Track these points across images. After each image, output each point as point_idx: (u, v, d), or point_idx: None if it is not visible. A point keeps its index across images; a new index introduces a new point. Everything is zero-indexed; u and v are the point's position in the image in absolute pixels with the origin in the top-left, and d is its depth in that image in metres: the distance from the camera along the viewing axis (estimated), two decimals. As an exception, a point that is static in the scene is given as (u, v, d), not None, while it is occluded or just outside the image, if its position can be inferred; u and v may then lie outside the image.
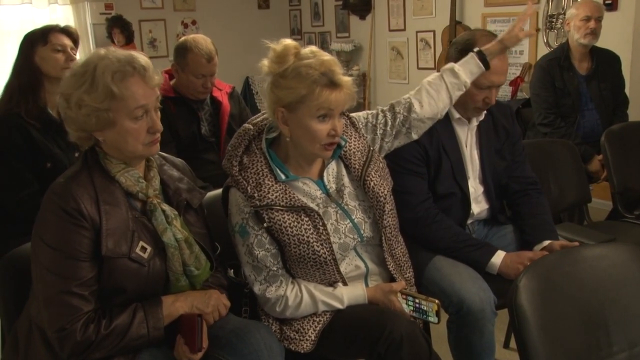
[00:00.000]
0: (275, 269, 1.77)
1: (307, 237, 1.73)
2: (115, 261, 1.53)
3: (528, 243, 2.23)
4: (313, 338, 1.78)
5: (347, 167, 1.87)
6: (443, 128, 2.21)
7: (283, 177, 1.75)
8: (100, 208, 1.52)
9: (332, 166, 1.87)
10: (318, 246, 1.73)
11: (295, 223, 1.72)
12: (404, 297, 1.84)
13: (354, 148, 1.88)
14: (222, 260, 1.89)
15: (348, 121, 1.92)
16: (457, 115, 2.23)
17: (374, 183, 1.84)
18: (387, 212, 1.85)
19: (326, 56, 1.70)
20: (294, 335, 1.79)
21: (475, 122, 2.27)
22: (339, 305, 1.80)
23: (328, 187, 1.84)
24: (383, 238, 1.87)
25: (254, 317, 1.85)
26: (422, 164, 2.18)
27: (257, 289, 1.78)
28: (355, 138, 1.90)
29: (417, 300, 1.82)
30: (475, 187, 2.29)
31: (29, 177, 2.38)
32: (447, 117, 2.23)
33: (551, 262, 1.55)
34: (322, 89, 1.65)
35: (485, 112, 2.25)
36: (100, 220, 1.52)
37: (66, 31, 2.51)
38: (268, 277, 1.77)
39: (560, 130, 3.48)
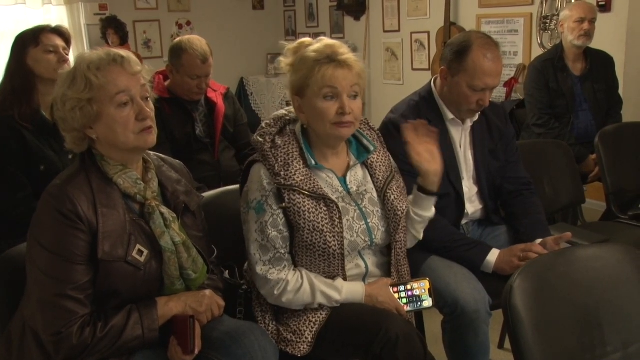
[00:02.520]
0: (282, 252, 1.76)
1: (322, 226, 1.74)
2: (111, 264, 1.52)
3: (522, 242, 2.23)
4: (310, 340, 1.78)
5: (371, 176, 1.90)
6: (437, 128, 2.22)
7: (313, 162, 1.78)
8: (97, 210, 1.51)
9: (358, 169, 1.89)
10: (330, 237, 1.74)
11: (313, 210, 1.73)
12: (395, 289, 1.85)
13: (380, 161, 1.91)
14: (218, 263, 1.89)
15: (376, 136, 1.94)
16: (450, 116, 2.24)
17: (394, 197, 1.87)
18: (401, 227, 1.88)
19: (333, 41, 1.75)
20: (291, 337, 1.78)
21: (469, 123, 2.28)
22: (336, 296, 1.79)
23: (349, 186, 1.85)
24: (393, 253, 1.89)
25: (249, 318, 1.84)
26: (417, 164, 2.18)
27: (259, 269, 1.76)
28: (382, 153, 1.93)
29: (408, 287, 1.85)
30: (469, 188, 2.29)
31: (23, 180, 2.36)
32: (441, 118, 2.25)
33: (545, 263, 1.55)
34: (322, 66, 1.69)
35: (479, 113, 2.25)
36: (97, 223, 1.50)
37: (58, 31, 2.48)
38: (273, 259, 1.76)
39: (555, 131, 3.49)
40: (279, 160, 1.75)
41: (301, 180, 1.74)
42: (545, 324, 1.42)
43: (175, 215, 1.66)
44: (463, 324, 1.97)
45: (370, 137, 1.92)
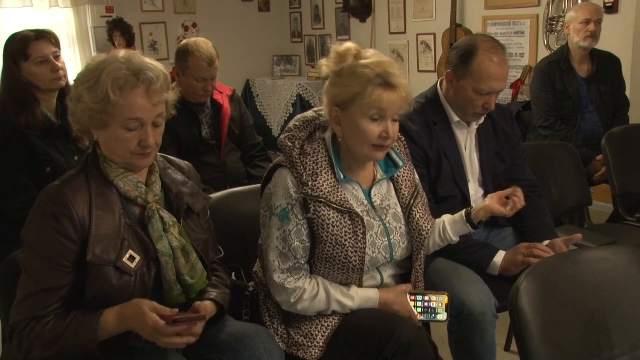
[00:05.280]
0: (302, 262, 1.75)
1: (345, 241, 1.72)
2: (100, 269, 1.50)
3: (528, 245, 2.23)
4: (322, 345, 1.76)
5: (396, 191, 1.88)
6: (443, 131, 2.22)
7: (342, 176, 1.75)
8: (92, 213, 1.51)
9: (384, 184, 1.87)
10: (352, 252, 1.73)
11: (338, 223, 1.72)
12: (413, 298, 1.84)
13: (406, 176, 1.89)
14: (225, 260, 1.88)
15: (403, 148, 1.93)
16: (456, 118, 2.24)
17: (419, 216, 1.85)
18: (424, 247, 1.88)
19: (385, 58, 1.70)
20: (302, 340, 1.77)
21: (474, 126, 2.28)
22: (350, 304, 1.78)
23: (374, 200, 1.83)
24: (413, 270, 1.88)
25: (255, 320, 1.84)
26: (422, 166, 2.18)
27: (277, 277, 1.74)
28: (409, 168, 1.91)
29: (426, 298, 1.83)
30: (475, 190, 2.29)
31: (28, 183, 2.37)
32: (446, 120, 2.25)
33: (552, 265, 1.55)
34: (375, 88, 1.64)
35: (485, 116, 2.25)
36: (90, 226, 1.50)
37: (42, 37, 2.43)
38: (292, 268, 1.74)
39: (561, 133, 3.48)
40: (308, 169, 1.71)
41: (329, 192, 1.71)
42: (551, 326, 1.42)
43: (175, 220, 1.65)
44: (469, 326, 1.97)
45: (398, 148, 1.89)
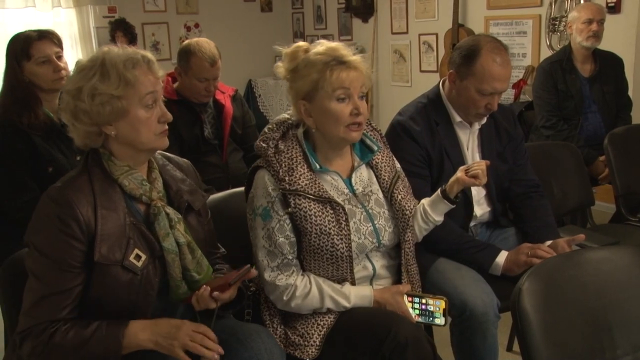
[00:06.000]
0: (290, 257, 1.77)
1: (329, 229, 1.74)
2: (107, 268, 1.51)
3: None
4: (318, 343, 1.77)
5: (377, 177, 1.91)
6: (445, 131, 2.22)
7: (318, 166, 1.78)
8: (97, 212, 1.51)
9: (363, 170, 1.90)
10: (338, 240, 1.75)
11: (320, 213, 1.74)
12: (410, 299, 1.84)
13: (384, 162, 1.93)
14: (226, 260, 1.88)
15: (379, 136, 1.97)
16: (458, 118, 2.24)
17: (401, 197, 1.89)
18: (409, 227, 1.89)
19: (334, 43, 1.76)
20: (299, 340, 1.78)
21: (477, 126, 2.28)
22: (344, 302, 1.79)
23: (355, 187, 1.86)
24: (402, 253, 1.89)
25: (256, 320, 1.85)
26: (424, 166, 2.19)
27: (267, 275, 1.77)
28: (386, 154, 1.95)
29: (423, 301, 1.83)
30: (477, 190, 2.29)
31: (30, 182, 2.37)
32: (448, 120, 2.25)
33: (554, 265, 1.55)
34: (333, 69, 1.71)
35: (487, 116, 2.25)
36: (96, 225, 1.50)
37: (44, 37, 2.44)
38: (281, 265, 1.77)
39: (563, 133, 3.48)
40: (283, 165, 1.75)
41: (306, 184, 1.75)
42: (554, 326, 1.42)
43: (180, 216, 1.65)
44: (471, 326, 1.96)
45: (374, 137, 1.93)
